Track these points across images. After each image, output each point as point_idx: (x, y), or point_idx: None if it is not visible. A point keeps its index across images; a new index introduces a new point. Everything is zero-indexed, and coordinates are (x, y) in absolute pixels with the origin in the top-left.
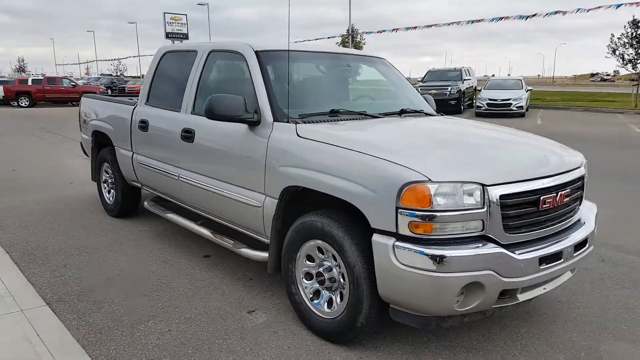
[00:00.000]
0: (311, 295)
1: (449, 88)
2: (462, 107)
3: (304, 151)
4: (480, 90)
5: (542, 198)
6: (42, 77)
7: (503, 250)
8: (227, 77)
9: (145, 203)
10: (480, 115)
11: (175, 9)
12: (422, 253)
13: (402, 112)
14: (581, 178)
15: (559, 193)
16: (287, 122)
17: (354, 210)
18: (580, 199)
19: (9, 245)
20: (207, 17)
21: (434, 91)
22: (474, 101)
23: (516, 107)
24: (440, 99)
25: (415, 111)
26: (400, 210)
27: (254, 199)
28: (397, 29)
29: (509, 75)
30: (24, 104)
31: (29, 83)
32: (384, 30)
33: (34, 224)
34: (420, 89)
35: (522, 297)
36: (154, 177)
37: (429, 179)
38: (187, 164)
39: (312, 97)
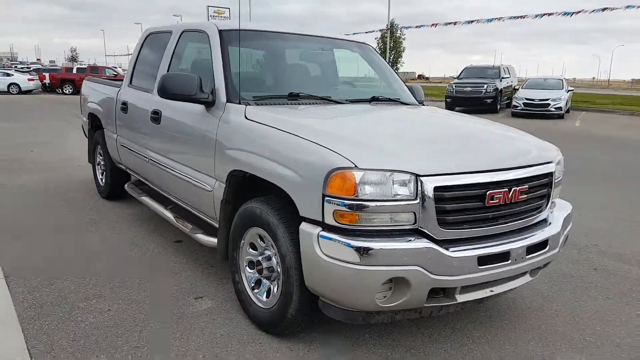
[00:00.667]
0: (253, 284)
1: (485, 86)
2: (498, 107)
3: (247, 134)
4: (517, 90)
5: (488, 193)
6: (86, 66)
7: (432, 246)
8: (195, 58)
9: (126, 185)
10: (517, 115)
11: (220, 2)
12: (344, 244)
13: (373, 100)
14: (549, 175)
15: (513, 189)
16: (239, 103)
17: (289, 197)
18: (547, 197)
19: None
20: (252, 12)
21: (469, 89)
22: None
23: (554, 108)
24: (475, 97)
25: (390, 99)
26: (326, 197)
27: (206, 182)
28: (435, 24)
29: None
30: (67, 91)
31: (74, 72)
32: (422, 26)
33: (22, 202)
34: (455, 86)
35: (461, 298)
36: (132, 159)
37: (356, 166)
38: (154, 145)
39: (274, 79)
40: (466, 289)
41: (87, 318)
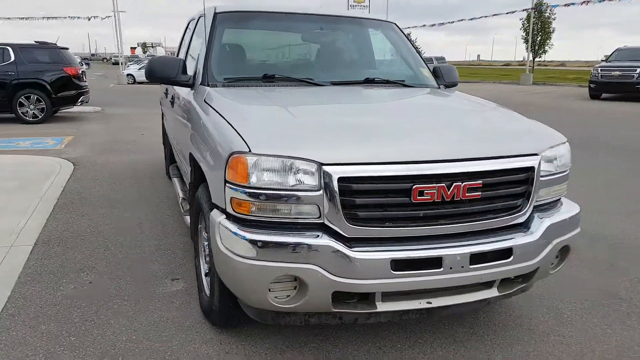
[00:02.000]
0: (207, 271)
1: (638, 70)
2: None
3: (196, 116)
4: None
5: (414, 188)
6: None
7: (332, 243)
8: (202, 42)
9: (170, 167)
10: None
11: None
12: (236, 235)
13: (366, 82)
14: (526, 170)
15: (455, 185)
16: (208, 85)
17: None
18: (526, 196)
19: (67, 193)
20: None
21: (617, 73)
22: None
23: None
24: (625, 82)
25: (388, 81)
26: (226, 183)
27: (186, 165)
28: (587, 2)
29: None
30: None
31: None
32: (572, 4)
33: (104, 179)
34: (601, 70)
35: (382, 307)
36: (167, 141)
37: (249, 150)
38: (171, 128)
39: (258, 60)
40: (391, 297)
41: (67, 288)
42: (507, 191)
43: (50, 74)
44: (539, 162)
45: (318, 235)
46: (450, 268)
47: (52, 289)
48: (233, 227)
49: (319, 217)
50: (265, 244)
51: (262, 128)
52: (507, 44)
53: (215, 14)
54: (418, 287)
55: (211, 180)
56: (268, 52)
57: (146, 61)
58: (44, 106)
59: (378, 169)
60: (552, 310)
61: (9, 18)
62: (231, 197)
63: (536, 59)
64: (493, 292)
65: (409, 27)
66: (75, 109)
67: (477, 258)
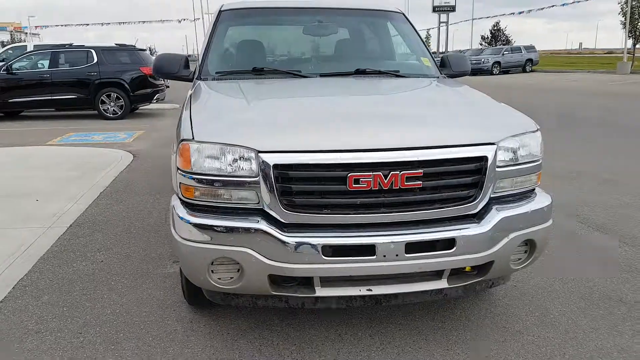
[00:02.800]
0: None
1: None
2: None
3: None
4: None
5: (349, 176)
6: None
7: (264, 227)
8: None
9: None
10: None
11: None
12: (181, 218)
13: (357, 72)
14: (477, 160)
15: (392, 173)
16: (200, 79)
17: None
18: (479, 187)
19: (117, 182)
20: None
21: None
22: None
23: None
24: None
25: (381, 72)
26: (177, 170)
27: None
28: None
29: None
30: None
31: None
32: None
33: (156, 170)
34: None
35: (321, 292)
36: None
37: (193, 138)
38: None
39: (253, 54)
40: (330, 282)
41: (79, 266)
42: (454, 181)
43: (129, 74)
44: (495, 151)
45: (258, 221)
46: (384, 256)
47: (67, 266)
48: (180, 211)
49: (257, 203)
50: (203, 227)
51: (213, 118)
52: (612, 31)
53: (220, 11)
54: (351, 274)
55: (172, 168)
56: (267, 46)
57: None
58: (123, 103)
59: (313, 157)
60: (538, 309)
61: (122, 22)
62: (179, 183)
63: (637, 46)
64: (442, 284)
65: (497, 16)
66: (154, 106)
67: (413, 247)
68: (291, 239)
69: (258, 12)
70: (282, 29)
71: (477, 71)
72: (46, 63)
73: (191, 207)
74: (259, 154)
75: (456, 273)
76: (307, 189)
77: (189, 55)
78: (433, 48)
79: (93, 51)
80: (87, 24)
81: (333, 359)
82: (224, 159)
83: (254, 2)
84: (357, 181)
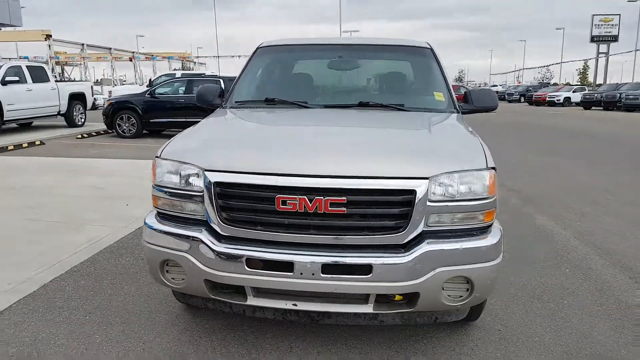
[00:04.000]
0: None
1: None
2: None
3: None
4: None
5: (277, 197)
6: None
7: (203, 237)
8: None
9: None
10: None
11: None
12: (145, 223)
13: (360, 105)
14: (404, 193)
15: (316, 198)
16: (221, 107)
17: None
18: (407, 218)
19: None
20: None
21: None
22: None
23: None
24: None
25: (383, 105)
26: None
27: None
28: None
29: None
30: None
31: None
32: None
33: None
34: None
35: (252, 301)
36: None
37: (159, 155)
38: None
39: (271, 86)
40: (262, 293)
41: (124, 261)
42: (380, 211)
43: None
44: (427, 186)
45: (201, 231)
46: (301, 274)
47: (114, 260)
48: (148, 218)
49: (203, 216)
50: (158, 232)
51: (186, 139)
52: None
53: (258, 48)
54: (270, 287)
55: None
56: (289, 79)
57: None
58: None
59: (247, 177)
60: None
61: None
62: (152, 194)
63: None
64: (367, 308)
65: None
66: None
67: (330, 268)
68: (221, 249)
69: (287, 48)
70: (308, 64)
71: (634, 107)
72: (182, 89)
73: (159, 215)
74: (205, 172)
75: (386, 301)
76: (242, 206)
77: None
78: (590, 79)
79: (221, 80)
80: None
81: None
82: (177, 174)
83: (289, 40)
84: (284, 202)
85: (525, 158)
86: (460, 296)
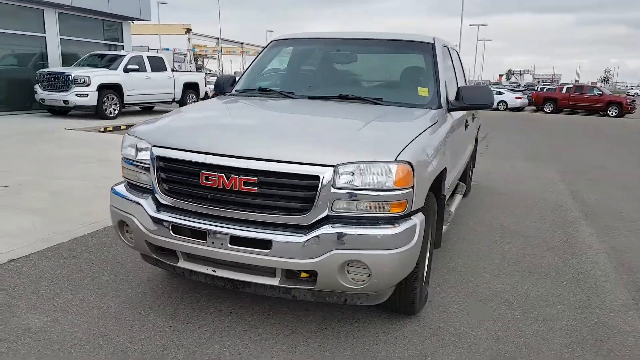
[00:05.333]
0: None
1: None
2: None
3: None
4: None
5: (201, 173)
6: (571, 86)
7: (140, 201)
8: None
9: None
10: None
11: None
12: (111, 189)
13: (340, 97)
14: (310, 178)
15: (232, 177)
16: (224, 94)
17: None
18: (310, 201)
19: None
20: None
21: None
22: None
23: None
24: None
25: (360, 98)
26: None
27: None
28: None
29: None
30: (547, 109)
31: (563, 91)
32: None
33: None
34: None
35: (181, 264)
36: None
37: (128, 132)
38: None
39: (270, 77)
40: (190, 257)
41: None
42: (287, 193)
43: None
44: (332, 174)
45: (147, 198)
46: (212, 243)
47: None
48: (116, 185)
49: (151, 185)
50: (117, 196)
51: (154, 120)
52: None
53: (271, 41)
54: (189, 252)
55: None
56: (286, 71)
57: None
58: None
59: (179, 154)
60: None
61: None
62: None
63: None
64: (274, 281)
65: None
66: None
67: (236, 241)
68: (155, 215)
69: (293, 42)
70: (309, 57)
71: None
72: None
73: (128, 184)
74: (152, 147)
75: (292, 277)
76: (176, 179)
77: None
78: None
79: None
80: None
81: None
82: (133, 148)
83: (298, 34)
84: (207, 178)
85: None
86: (362, 280)
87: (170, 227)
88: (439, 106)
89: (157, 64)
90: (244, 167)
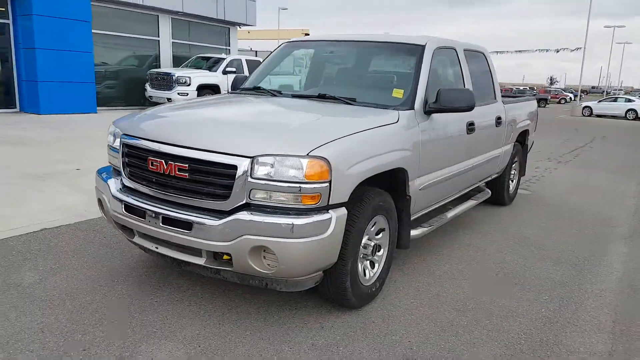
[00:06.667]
0: None
1: None
2: None
3: None
4: None
5: (148, 159)
6: None
7: (111, 185)
8: None
9: None
10: None
11: None
12: (97, 170)
13: (319, 96)
14: (228, 167)
15: (169, 163)
16: (228, 92)
17: None
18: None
19: None
20: None
21: None
22: None
23: None
24: None
25: (335, 98)
26: None
27: None
28: None
29: None
30: None
31: None
32: None
33: None
34: None
35: (136, 240)
36: None
37: (112, 123)
38: None
39: (266, 78)
40: (143, 235)
41: None
42: (211, 180)
43: None
44: (250, 164)
45: (116, 180)
46: (149, 221)
47: None
48: (102, 168)
49: (122, 168)
50: (97, 177)
51: (143, 111)
52: None
53: (281, 44)
54: (135, 229)
55: None
56: (283, 72)
57: None
58: None
59: (135, 141)
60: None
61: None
62: None
63: None
64: (200, 261)
65: None
66: None
67: (166, 220)
68: (115, 194)
69: (298, 44)
70: (307, 59)
71: None
72: None
73: (112, 167)
74: (122, 135)
75: (216, 258)
76: (133, 163)
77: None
78: None
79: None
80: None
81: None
82: (112, 135)
83: (306, 37)
84: (152, 164)
85: None
86: (273, 266)
87: (123, 206)
88: (411, 108)
89: (255, 67)
90: (177, 154)
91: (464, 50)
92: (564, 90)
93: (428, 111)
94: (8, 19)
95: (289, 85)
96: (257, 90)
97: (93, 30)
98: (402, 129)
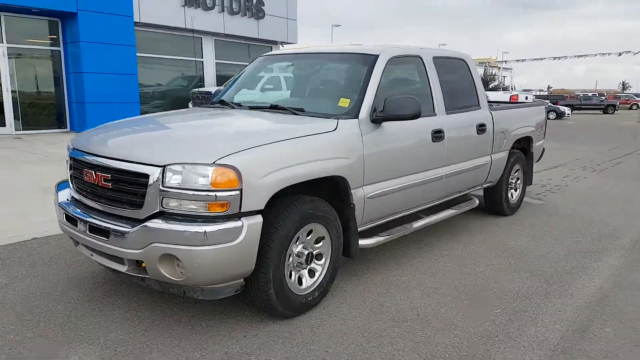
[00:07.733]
0: None
1: None
2: None
3: None
4: None
5: (84, 170)
6: None
7: (61, 193)
8: None
9: None
10: None
11: None
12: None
13: (271, 107)
14: (140, 176)
15: (97, 174)
16: (201, 105)
17: None
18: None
19: None
20: None
21: None
22: None
23: None
24: None
25: (285, 108)
26: None
27: None
28: None
29: None
30: None
31: None
32: None
33: None
34: None
35: (80, 248)
36: None
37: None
38: None
39: (232, 91)
40: (82, 244)
41: None
42: (126, 188)
43: None
44: (161, 173)
45: (61, 191)
46: (79, 229)
47: None
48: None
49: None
50: (55, 189)
51: (95, 127)
52: None
53: (256, 57)
54: (73, 237)
55: None
56: (246, 85)
57: None
58: None
59: (75, 153)
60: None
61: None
62: None
63: None
64: (123, 268)
65: None
66: None
67: (92, 229)
68: (59, 204)
69: (268, 58)
70: (272, 71)
71: None
72: None
73: None
74: (71, 149)
75: (137, 266)
76: (75, 174)
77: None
78: None
79: None
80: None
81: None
82: (67, 149)
83: (276, 51)
84: (86, 174)
85: None
86: (183, 274)
87: (64, 215)
88: (355, 117)
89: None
90: (102, 165)
91: (435, 58)
92: (637, 95)
93: (375, 120)
94: (59, 46)
95: (241, 96)
96: (221, 104)
97: (140, 54)
98: (340, 137)
